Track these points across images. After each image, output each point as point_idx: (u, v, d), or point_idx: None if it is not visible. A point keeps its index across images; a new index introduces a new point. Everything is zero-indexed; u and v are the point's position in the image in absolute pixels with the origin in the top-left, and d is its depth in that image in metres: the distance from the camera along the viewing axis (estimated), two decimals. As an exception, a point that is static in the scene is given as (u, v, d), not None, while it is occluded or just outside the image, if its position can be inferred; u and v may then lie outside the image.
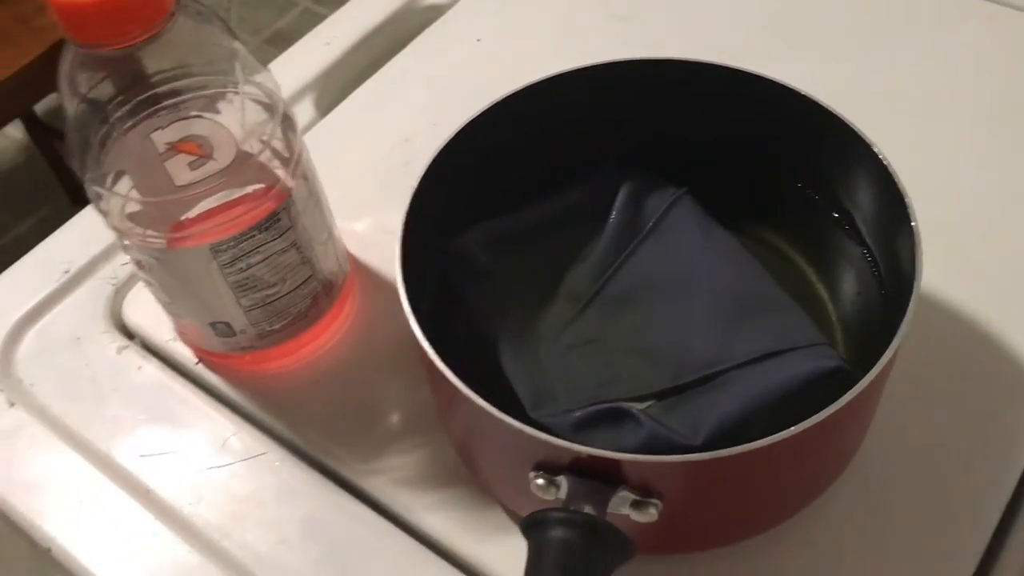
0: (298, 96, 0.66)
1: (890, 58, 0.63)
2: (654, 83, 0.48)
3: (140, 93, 0.42)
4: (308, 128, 0.64)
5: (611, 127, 0.50)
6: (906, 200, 0.41)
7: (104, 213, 0.44)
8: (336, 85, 0.67)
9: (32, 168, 1.76)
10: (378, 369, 0.51)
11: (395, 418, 0.50)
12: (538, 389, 0.44)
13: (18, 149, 1.80)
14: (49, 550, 0.47)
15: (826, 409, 0.36)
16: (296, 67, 0.67)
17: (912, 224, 0.40)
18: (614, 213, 0.49)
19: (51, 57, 1.22)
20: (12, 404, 0.52)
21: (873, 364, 0.37)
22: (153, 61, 0.41)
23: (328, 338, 0.52)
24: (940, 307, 0.50)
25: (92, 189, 0.44)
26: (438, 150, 0.45)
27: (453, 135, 0.46)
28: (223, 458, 0.49)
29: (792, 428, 0.35)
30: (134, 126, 0.42)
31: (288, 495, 0.47)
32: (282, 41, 1.93)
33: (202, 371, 0.52)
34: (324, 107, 0.66)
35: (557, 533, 0.34)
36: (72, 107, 0.42)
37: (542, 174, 0.51)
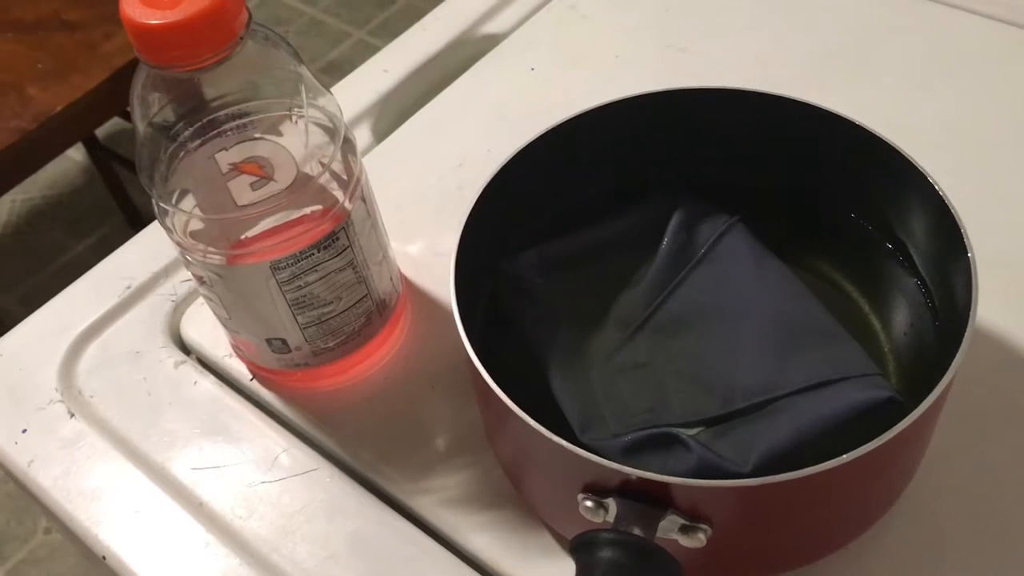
0: (356, 122, 0.67)
1: (948, 89, 0.62)
2: (709, 112, 0.49)
3: (207, 114, 0.43)
4: (365, 153, 0.65)
5: (664, 155, 0.50)
6: (962, 231, 0.41)
7: (168, 229, 0.46)
8: (393, 111, 0.68)
9: (91, 190, 1.80)
10: (428, 389, 0.52)
11: (444, 438, 0.50)
12: (587, 413, 0.44)
13: (79, 171, 1.85)
14: (104, 558, 0.48)
15: (878, 438, 0.36)
16: (354, 93, 0.68)
17: (968, 255, 0.40)
18: (666, 239, 0.49)
19: (115, 83, 1.25)
20: (72, 415, 0.53)
21: (926, 396, 0.37)
22: (221, 83, 0.42)
23: (380, 357, 0.52)
24: (995, 340, 0.49)
25: (158, 205, 0.45)
26: (493, 174, 0.46)
27: (507, 160, 0.47)
28: (274, 473, 0.50)
29: (843, 456, 0.35)
30: (200, 146, 0.44)
31: (337, 511, 0.48)
32: (336, 71, 1.97)
33: (256, 387, 0.53)
34: (381, 133, 0.67)
35: (606, 554, 0.34)
36: (142, 126, 0.43)
37: (594, 200, 0.51)
